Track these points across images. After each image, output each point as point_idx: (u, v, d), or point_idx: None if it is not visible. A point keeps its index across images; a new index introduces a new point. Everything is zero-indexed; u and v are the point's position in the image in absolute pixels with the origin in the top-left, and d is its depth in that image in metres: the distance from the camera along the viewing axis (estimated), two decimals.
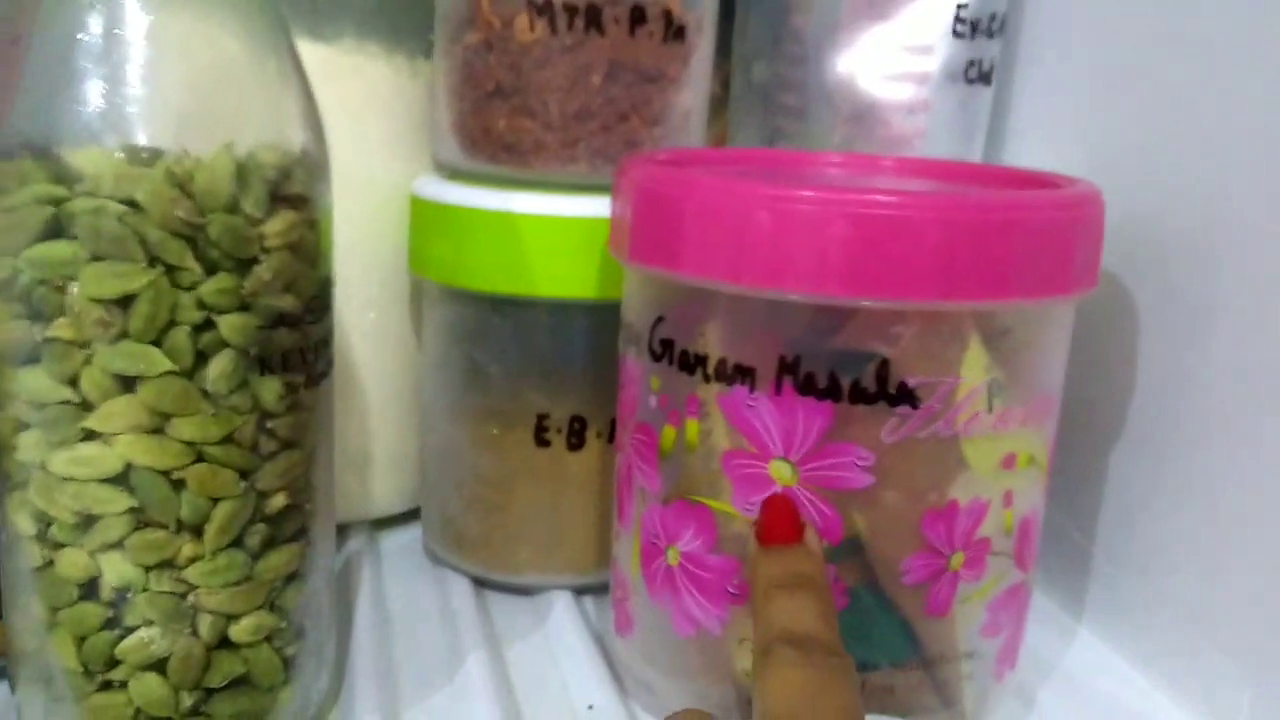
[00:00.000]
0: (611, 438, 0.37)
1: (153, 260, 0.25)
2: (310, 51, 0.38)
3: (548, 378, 0.37)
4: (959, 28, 0.38)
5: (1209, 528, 0.33)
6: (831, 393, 0.27)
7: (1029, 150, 0.41)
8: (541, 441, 0.37)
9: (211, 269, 0.26)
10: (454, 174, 0.38)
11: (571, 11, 0.34)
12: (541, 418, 0.37)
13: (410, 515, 0.45)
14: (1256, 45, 0.31)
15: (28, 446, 0.26)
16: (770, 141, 0.41)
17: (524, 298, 0.36)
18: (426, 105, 0.40)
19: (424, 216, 0.38)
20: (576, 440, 0.37)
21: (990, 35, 0.38)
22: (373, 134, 0.40)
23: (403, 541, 0.44)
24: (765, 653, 0.25)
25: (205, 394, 0.26)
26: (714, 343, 0.29)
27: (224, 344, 0.26)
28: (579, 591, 0.40)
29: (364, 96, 0.39)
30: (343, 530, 0.43)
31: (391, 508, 0.44)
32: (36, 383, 0.25)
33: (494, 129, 0.36)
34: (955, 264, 0.26)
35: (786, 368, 0.28)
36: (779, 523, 0.28)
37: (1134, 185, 0.35)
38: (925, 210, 0.26)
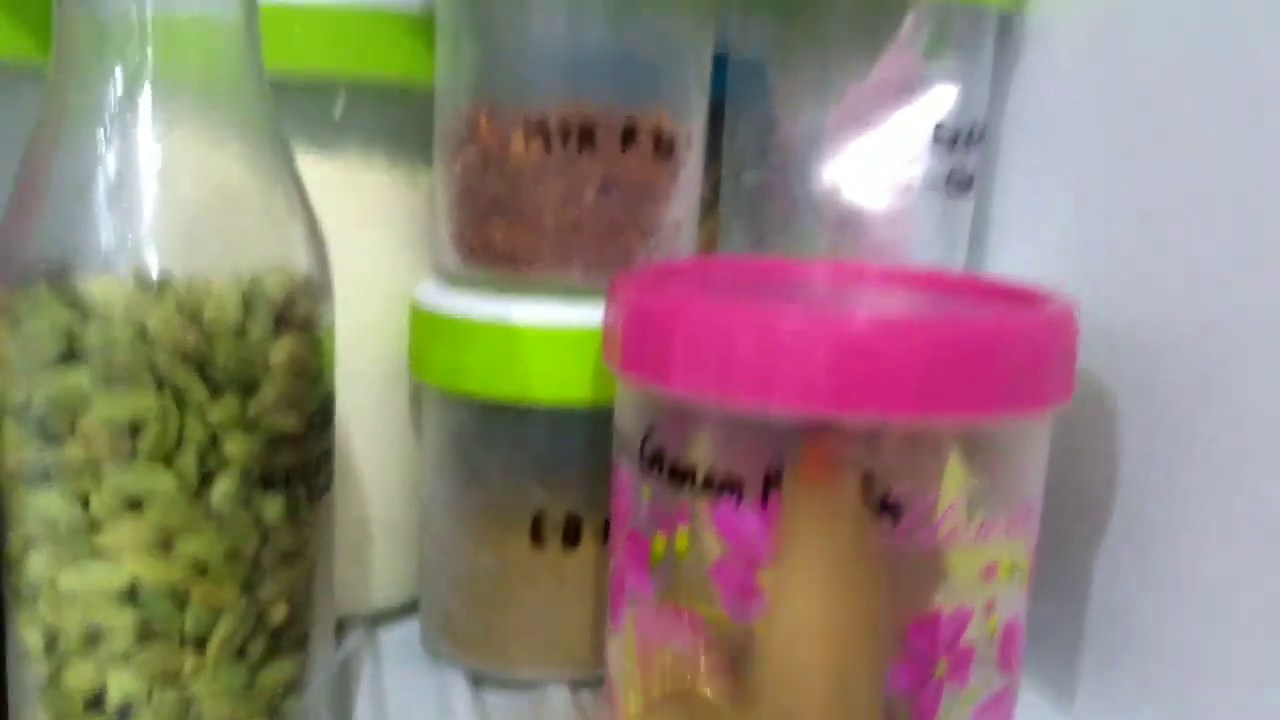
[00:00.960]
0: (606, 536, 0.38)
1: (161, 385, 0.26)
2: (316, 165, 0.40)
3: (545, 479, 0.38)
4: (939, 139, 0.39)
5: (1194, 623, 0.34)
6: None
7: (1013, 254, 0.42)
8: (538, 540, 0.38)
9: (217, 392, 0.27)
10: (453, 283, 0.39)
11: (565, 131, 0.36)
12: (538, 517, 0.38)
13: (409, 608, 0.46)
14: (1236, 154, 0.32)
15: (38, 564, 0.27)
16: (759, 244, 0.42)
17: (522, 404, 0.37)
18: (428, 213, 0.42)
19: (423, 324, 0.39)
20: (572, 539, 0.38)
21: (970, 145, 0.40)
22: (376, 242, 0.41)
23: (401, 636, 0.45)
24: None
25: (210, 512, 0.27)
26: (703, 455, 0.30)
27: (228, 463, 0.27)
28: (576, 685, 0.40)
29: (368, 207, 0.41)
30: (342, 624, 0.44)
31: (390, 601, 0.45)
32: (48, 503, 0.26)
33: (492, 241, 0.37)
34: (934, 384, 0.27)
35: (773, 479, 0.29)
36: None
37: (1112, 289, 0.36)
38: (905, 334, 0.27)
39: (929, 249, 0.41)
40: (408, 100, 0.42)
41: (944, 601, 0.29)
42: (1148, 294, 0.35)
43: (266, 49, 0.38)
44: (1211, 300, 0.33)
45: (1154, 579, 0.35)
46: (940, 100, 0.39)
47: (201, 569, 0.27)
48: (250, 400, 0.27)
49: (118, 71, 0.27)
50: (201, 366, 0.26)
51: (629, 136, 0.36)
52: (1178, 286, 0.34)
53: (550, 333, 0.36)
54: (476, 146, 0.37)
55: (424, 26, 0.40)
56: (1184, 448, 0.34)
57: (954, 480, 0.29)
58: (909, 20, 0.38)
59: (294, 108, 0.40)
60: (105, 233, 0.27)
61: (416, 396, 0.43)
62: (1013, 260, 0.42)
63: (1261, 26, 0.31)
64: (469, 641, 0.40)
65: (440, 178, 0.39)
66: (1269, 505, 0.31)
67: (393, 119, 0.42)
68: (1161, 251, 0.35)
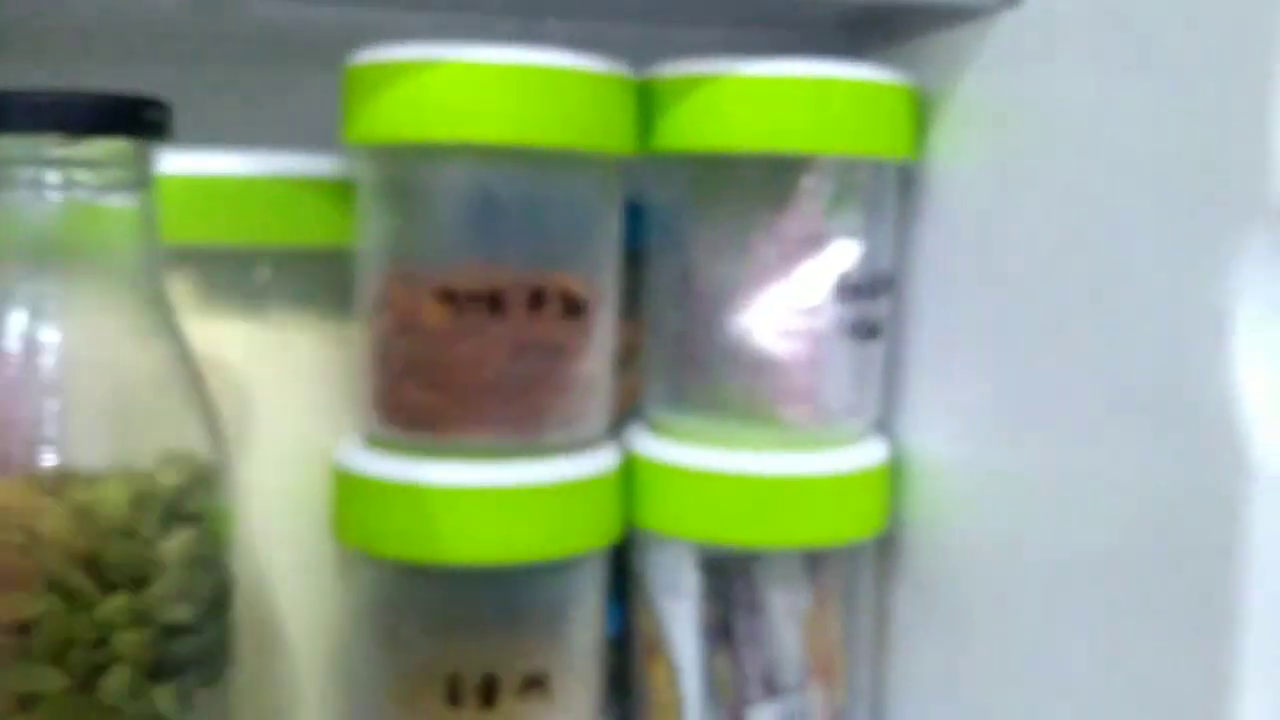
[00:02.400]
0: (525, 692, 0.38)
1: (51, 586, 0.27)
2: (244, 327, 0.41)
3: (460, 640, 0.38)
4: (844, 290, 0.40)
5: None
6: None
7: (926, 398, 0.43)
8: (454, 701, 0.38)
9: (108, 590, 0.27)
10: (372, 444, 0.40)
11: (474, 298, 0.37)
12: (454, 678, 0.38)
13: None
14: (1137, 299, 0.33)
15: None
16: (679, 391, 0.43)
17: (436, 565, 0.38)
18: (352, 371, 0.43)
19: (342, 485, 0.40)
20: (488, 699, 0.38)
21: (876, 296, 0.41)
22: (306, 401, 0.42)
23: None
24: None
25: (102, 707, 0.27)
26: None
27: (120, 658, 0.27)
28: None
29: (293, 368, 0.42)
30: None
31: None
32: None
33: (406, 403, 0.38)
34: None
35: None
36: None
37: (1016, 433, 0.37)
38: None
39: (842, 393, 0.42)
40: (337, 258, 0.43)
41: None
42: (1046, 438, 0.36)
43: (190, 220, 0.40)
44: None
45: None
46: (844, 253, 0.40)
47: None
48: (142, 594, 0.28)
49: (11, 264, 0.28)
50: (91, 566, 0.27)
51: (538, 300, 0.37)
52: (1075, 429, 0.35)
53: (462, 493, 0.37)
54: (391, 312, 0.38)
55: (347, 194, 0.41)
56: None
57: None
58: (810, 178, 0.40)
59: (220, 271, 0.41)
60: None
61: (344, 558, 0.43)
62: (927, 403, 0.43)
63: (1152, 174, 0.32)
64: None
65: (360, 340, 0.40)
66: None
67: (321, 277, 0.43)
68: (1056, 393, 0.36)
